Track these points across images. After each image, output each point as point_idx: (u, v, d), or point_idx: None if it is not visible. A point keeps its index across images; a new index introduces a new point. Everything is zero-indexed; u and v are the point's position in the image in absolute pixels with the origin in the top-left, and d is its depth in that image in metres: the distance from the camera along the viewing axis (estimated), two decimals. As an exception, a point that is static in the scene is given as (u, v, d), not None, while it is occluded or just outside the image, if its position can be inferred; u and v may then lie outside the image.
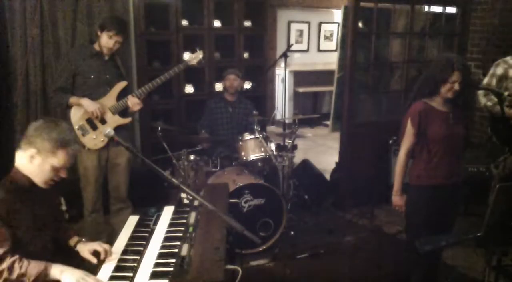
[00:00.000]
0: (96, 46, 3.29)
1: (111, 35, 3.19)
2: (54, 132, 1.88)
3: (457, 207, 2.79)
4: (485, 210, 2.11)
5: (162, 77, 3.39)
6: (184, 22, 4.63)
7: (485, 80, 3.76)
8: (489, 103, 3.67)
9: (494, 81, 3.70)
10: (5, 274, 1.69)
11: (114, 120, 3.29)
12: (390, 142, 4.40)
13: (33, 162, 1.87)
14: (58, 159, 1.89)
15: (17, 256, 1.75)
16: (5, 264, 1.70)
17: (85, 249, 2.05)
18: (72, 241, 2.14)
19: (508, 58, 3.73)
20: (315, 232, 4.09)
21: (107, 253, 2.02)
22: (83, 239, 2.14)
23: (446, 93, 2.55)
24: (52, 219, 2.06)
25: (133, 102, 3.29)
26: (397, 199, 2.76)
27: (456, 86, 2.50)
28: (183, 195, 2.58)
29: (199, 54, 3.60)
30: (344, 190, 4.67)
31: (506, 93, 3.26)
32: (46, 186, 1.93)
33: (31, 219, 1.89)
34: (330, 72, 6.91)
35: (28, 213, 1.88)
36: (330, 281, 3.37)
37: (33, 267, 1.75)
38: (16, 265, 1.72)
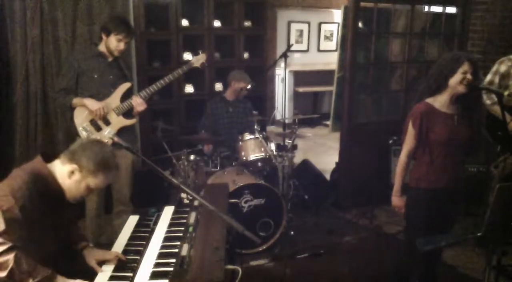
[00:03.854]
0: (100, 48, 3.28)
1: (120, 38, 3.19)
2: (100, 154, 1.88)
3: (457, 211, 2.75)
4: (485, 210, 2.10)
5: (166, 79, 3.39)
6: (184, 22, 4.63)
7: (488, 78, 3.74)
8: (488, 102, 3.66)
9: (497, 79, 3.68)
10: (11, 265, 1.65)
11: (118, 121, 3.29)
12: (390, 141, 4.40)
13: (71, 177, 1.87)
14: (97, 181, 1.89)
15: (26, 254, 1.71)
16: (11, 255, 1.66)
17: (92, 258, 2.00)
18: (79, 245, 2.10)
19: None
20: (315, 232, 4.09)
21: (121, 260, 1.99)
22: (90, 245, 2.11)
23: (458, 86, 2.43)
24: (67, 229, 2.05)
25: (137, 102, 3.29)
26: (396, 199, 2.73)
27: (469, 76, 2.40)
28: (183, 195, 2.58)
29: (203, 57, 3.62)
30: (344, 190, 4.67)
31: (506, 93, 3.25)
32: (74, 201, 1.94)
33: (49, 226, 1.87)
34: (330, 72, 6.91)
35: (47, 220, 1.86)
36: (330, 281, 3.37)
37: (41, 270, 1.72)
38: (24, 261, 1.68)
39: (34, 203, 1.76)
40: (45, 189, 1.84)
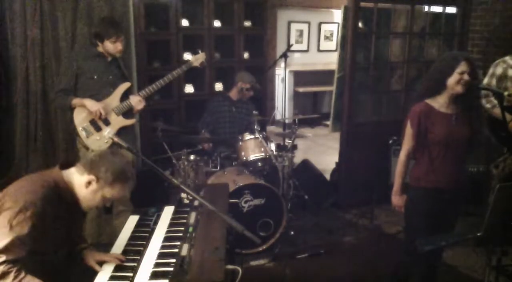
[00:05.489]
0: (99, 48, 3.29)
1: (114, 40, 3.22)
2: (119, 165, 1.89)
3: (458, 211, 2.75)
4: (485, 210, 2.10)
5: (166, 78, 3.41)
6: (184, 22, 4.63)
7: (485, 81, 3.75)
8: (488, 106, 3.65)
9: (494, 82, 3.69)
10: None
11: (118, 121, 3.29)
12: (390, 141, 4.40)
13: (88, 188, 1.87)
14: (113, 191, 1.90)
15: (17, 268, 1.67)
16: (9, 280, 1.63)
17: (91, 259, 2.00)
18: (78, 247, 2.10)
19: (507, 58, 3.72)
20: (315, 232, 4.09)
21: (121, 261, 1.99)
22: (90, 246, 2.11)
23: (455, 87, 2.43)
24: (75, 235, 2.06)
25: (136, 101, 3.30)
26: (396, 199, 2.74)
27: (466, 77, 2.39)
28: (183, 195, 2.58)
29: (202, 56, 3.63)
30: (344, 190, 4.67)
31: (506, 93, 3.25)
32: (88, 210, 1.95)
33: (61, 231, 1.87)
34: (330, 72, 6.89)
35: (59, 225, 1.86)
36: (330, 281, 3.37)
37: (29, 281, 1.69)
38: (12, 275, 1.65)
39: (47, 213, 1.76)
40: (60, 199, 1.83)
